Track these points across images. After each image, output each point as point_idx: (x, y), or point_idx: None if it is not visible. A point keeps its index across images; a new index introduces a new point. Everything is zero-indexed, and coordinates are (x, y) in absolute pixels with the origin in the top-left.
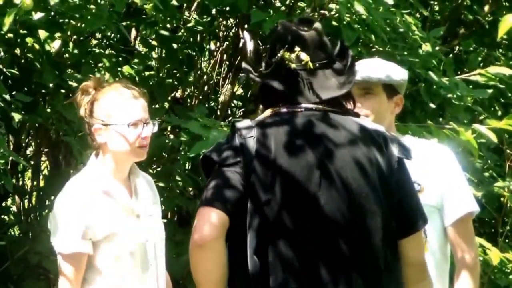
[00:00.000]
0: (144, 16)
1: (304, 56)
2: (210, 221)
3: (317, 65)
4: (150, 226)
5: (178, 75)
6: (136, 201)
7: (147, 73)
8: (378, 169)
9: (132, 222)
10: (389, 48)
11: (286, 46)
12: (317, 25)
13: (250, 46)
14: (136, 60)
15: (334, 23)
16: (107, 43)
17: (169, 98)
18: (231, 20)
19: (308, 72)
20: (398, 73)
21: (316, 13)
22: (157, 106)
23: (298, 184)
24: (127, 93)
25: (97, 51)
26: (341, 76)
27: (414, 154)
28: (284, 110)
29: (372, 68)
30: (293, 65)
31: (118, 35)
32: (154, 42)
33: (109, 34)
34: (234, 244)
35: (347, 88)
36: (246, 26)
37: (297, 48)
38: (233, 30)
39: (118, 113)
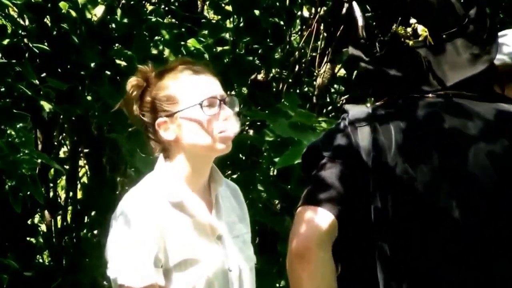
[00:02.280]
0: None
1: (421, 29)
2: (314, 224)
3: (444, 36)
4: (235, 251)
5: (260, 51)
6: (218, 217)
7: (219, 49)
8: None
9: (212, 246)
10: None
11: (399, 18)
12: None
13: (360, 20)
14: (204, 32)
15: None
16: (166, 8)
17: (249, 81)
18: None
19: (431, 48)
20: None
21: None
22: (232, 92)
23: (423, 194)
24: (192, 68)
25: (153, 19)
26: (478, 46)
27: None
28: (402, 100)
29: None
30: (410, 43)
31: None
32: (228, 7)
33: None
34: (343, 256)
35: (486, 62)
36: None
37: (412, 20)
38: None
39: (184, 94)
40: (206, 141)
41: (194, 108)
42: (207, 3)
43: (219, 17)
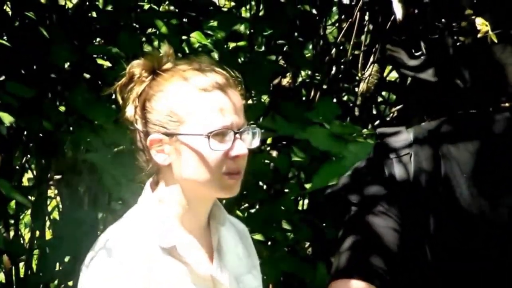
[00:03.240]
0: None
1: (480, 23)
2: None
3: None
4: None
5: (285, 48)
6: (220, 266)
7: (232, 45)
8: None
9: None
10: None
11: (449, 11)
12: None
13: (398, 12)
14: (213, 23)
15: None
16: None
17: (271, 87)
18: None
19: (496, 48)
20: None
21: None
22: (251, 101)
23: (500, 244)
24: (206, 79)
25: (146, 6)
26: None
27: None
28: (459, 117)
29: None
30: (467, 40)
31: None
32: None
33: None
34: None
35: None
36: None
37: (468, 11)
38: None
39: (191, 116)
40: (207, 180)
41: (201, 137)
42: None
43: (232, 3)
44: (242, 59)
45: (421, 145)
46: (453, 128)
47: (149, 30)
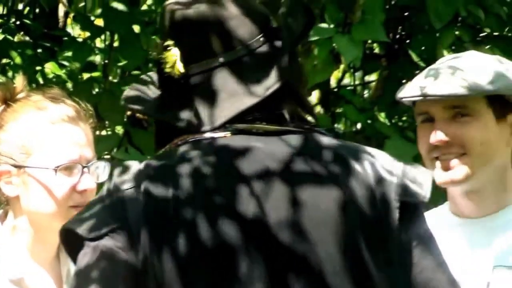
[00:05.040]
0: None
1: (174, 53)
2: None
3: (221, 60)
4: None
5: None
6: None
7: (86, 76)
8: (361, 222)
9: None
10: (509, 32)
11: (161, 41)
12: None
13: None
14: (68, 54)
15: None
16: (18, 23)
17: (126, 119)
18: None
19: (201, 76)
20: None
21: None
22: (105, 132)
23: (223, 272)
24: (56, 112)
25: (0, 37)
26: (268, 68)
27: None
28: (179, 146)
29: (466, 71)
30: (170, 70)
31: (37, 9)
32: (100, 22)
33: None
34: None
35: (271, 88)
36: None
37: (169, 42)
38: None
39: (39, 149)
40: (54, 212)
41: (48, 170)
42: (71, 15)
43: (87, 34)
44: (97, 89)
45: (150, 177)
46: (165, 160)
47: (4, 61)
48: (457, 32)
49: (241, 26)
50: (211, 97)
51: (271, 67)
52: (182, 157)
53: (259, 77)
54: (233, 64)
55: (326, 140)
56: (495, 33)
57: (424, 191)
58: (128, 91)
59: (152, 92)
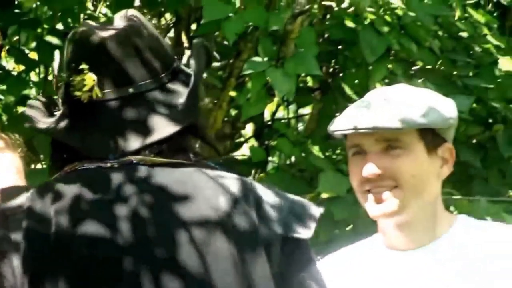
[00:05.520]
0: (17, 10)
1: (89, 77)
2: None
3: (131, 90)
4: None
5: None
6: None
7: (21, 109)
8: (240, 258)
9: None
10: (442, 66)
11: (73, 64)
12: (136, 20)
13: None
14: (2, 87)
15: (348, 23)
16: None
17: None
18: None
19: (116, 102)
20: (444, 108)
21: (316, 6)
22: (40, 165)
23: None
24: None
25: None
26: (175, 104)
27: (477, 248)
28: (69, 173)
29: (398, 104)
30: (82, 95)
31: None
32: (34, 55)
33: None
34: None
35: (184, 122)
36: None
37: (84, 66)
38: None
39: None
40: None
41: None
42: (6, 48)
43: (22, 67)
44: None
45: (36, 203)
46: (52, 186)
47: None
48: (389, 66)
49: (154, 59)
50: (119, 126)
51: (179, 104)
52: (61, 187)
53: (168, 112)
54: (143, 95)
55: (211, 172)
56: (428, 66)
57: (308, 228)
58: (29, 110)
59: (46, 114)
